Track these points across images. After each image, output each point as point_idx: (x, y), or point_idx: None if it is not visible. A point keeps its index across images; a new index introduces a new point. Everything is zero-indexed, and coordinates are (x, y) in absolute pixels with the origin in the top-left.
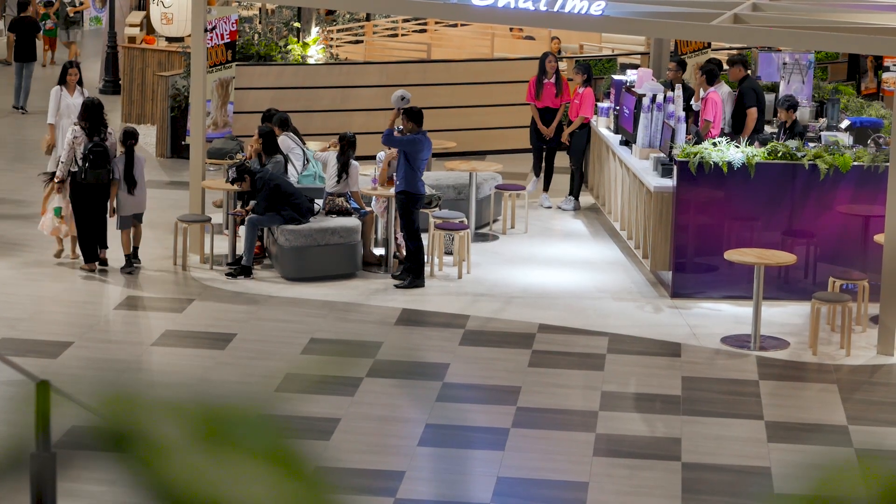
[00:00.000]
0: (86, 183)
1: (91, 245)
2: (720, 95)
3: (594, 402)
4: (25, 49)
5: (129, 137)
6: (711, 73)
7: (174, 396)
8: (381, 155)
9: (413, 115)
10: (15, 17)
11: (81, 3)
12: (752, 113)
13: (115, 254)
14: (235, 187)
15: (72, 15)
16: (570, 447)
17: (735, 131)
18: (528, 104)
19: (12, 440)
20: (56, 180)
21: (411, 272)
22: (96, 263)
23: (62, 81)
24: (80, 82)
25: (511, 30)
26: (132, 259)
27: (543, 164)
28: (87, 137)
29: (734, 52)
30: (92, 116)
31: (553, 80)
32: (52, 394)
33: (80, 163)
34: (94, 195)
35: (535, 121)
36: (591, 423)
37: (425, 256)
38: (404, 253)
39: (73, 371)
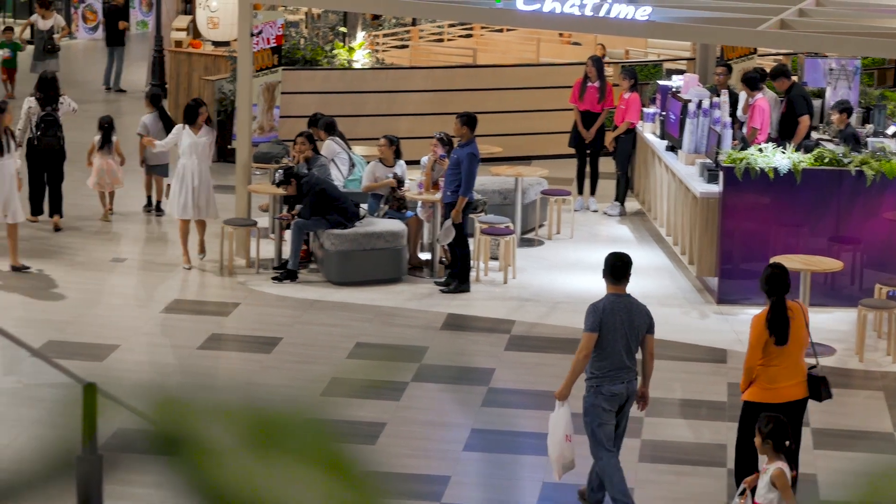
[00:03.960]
0: (40, 148)
1: (39, 201)
2: (767, 101)
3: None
4: (114, 34)
5: (158, 100)
6: (753, 80)
7: (224, 400)
8: (425, 160)
9: (469, 121)
10: (108, 4)
11: (63, 29)
12: (805, 121)
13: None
14: (281, 191)
15: (58, 43)
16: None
17: (782, 137)
18: (573, 107)
19: (59, 443)
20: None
21: (457, 277)
22: (38, 218)
23: (191, 121)
24: (207, 119)
25: (560, 35)
26: (154, 208)
27: (588, 169)
28: (40, 108)
29: (781, 57)
30: (46, 89)
31: (597, 84)
32: (99, 396)
33: (33, 130)
34: (48, 160)
35: (575, 123)
36: (636, 429)
37: (471, 261)
38: (451, 257)
39: (120, 374)
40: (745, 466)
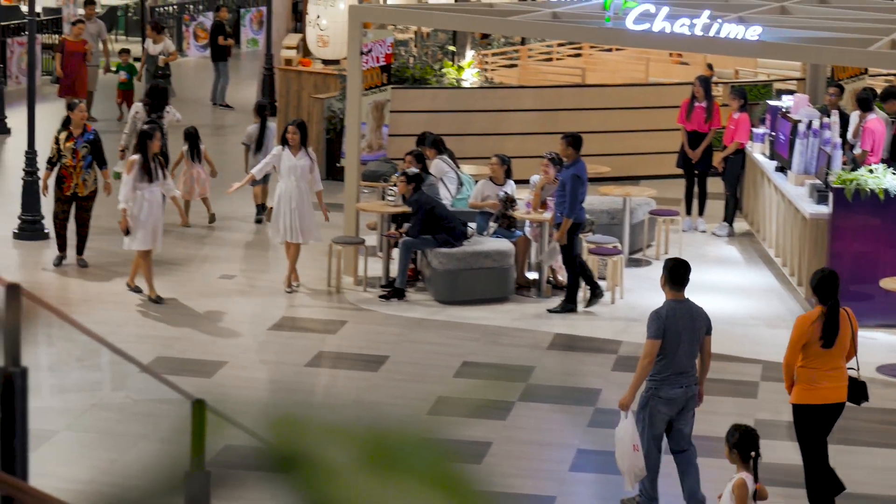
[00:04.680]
0: None
1: None
2: (881, 122)
3: None
4: (217, 50)
5: (263, 111)
6: (866, 101)
7: (340, 419)
8: (534, 179)
9: (575, 142)
10: (213, 21)
11: (171, 54)
12: None
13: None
14: (393, 181)
15: (162, 66)
16: (722, 474)
17: (894, 159)
18: (680, 127)
19: (169, 459)
20: (119, 149)
21: (567, 298)
22: None
23: (285, 142)
24: (304, 142)
25: (671, 55)
26: (260, 213)
27: (697, 189)
28: (146, 115)
29: (892, 77)
30: (154, 96)
31: (704, 104)
32: (208, 413)
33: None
34: None
35: (683, 143)
36: None
37: (581, 280)
38: (560, 279)
39: (228, 391)
40: (815, 468)
